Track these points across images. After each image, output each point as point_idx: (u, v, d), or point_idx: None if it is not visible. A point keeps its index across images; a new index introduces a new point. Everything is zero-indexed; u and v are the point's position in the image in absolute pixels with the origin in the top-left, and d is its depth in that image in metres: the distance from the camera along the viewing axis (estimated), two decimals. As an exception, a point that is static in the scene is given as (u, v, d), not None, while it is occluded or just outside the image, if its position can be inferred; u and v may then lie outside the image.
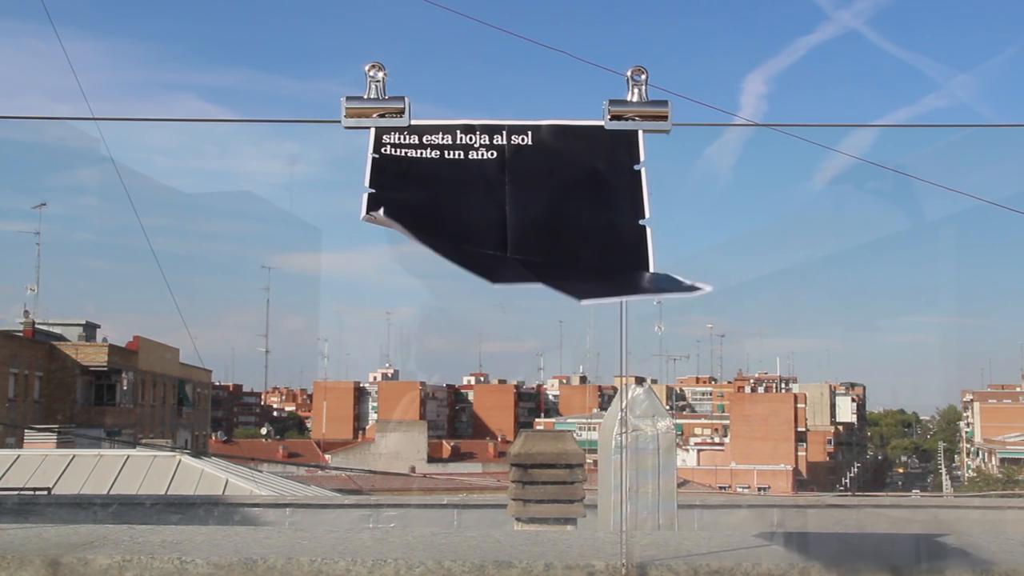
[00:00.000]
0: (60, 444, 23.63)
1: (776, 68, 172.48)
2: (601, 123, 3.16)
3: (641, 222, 3.03)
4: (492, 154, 3.13)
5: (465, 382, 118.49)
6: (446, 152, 3.13)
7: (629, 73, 3.18)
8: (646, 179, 3.10)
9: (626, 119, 3.16)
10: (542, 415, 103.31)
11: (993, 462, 75.43)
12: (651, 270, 2.97)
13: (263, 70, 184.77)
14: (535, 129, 3.16)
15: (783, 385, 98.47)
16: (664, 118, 3.17)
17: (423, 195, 3.03)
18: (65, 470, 17.36)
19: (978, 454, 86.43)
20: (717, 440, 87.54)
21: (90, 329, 51.48)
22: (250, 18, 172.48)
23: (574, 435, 8.33)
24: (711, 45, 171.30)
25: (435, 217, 2.99)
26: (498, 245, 2.97)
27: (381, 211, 2.73)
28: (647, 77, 3.18)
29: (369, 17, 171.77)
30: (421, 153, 3.13)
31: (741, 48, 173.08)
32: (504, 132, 3.15)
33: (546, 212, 3.05)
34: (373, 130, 3.14)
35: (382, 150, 3.12)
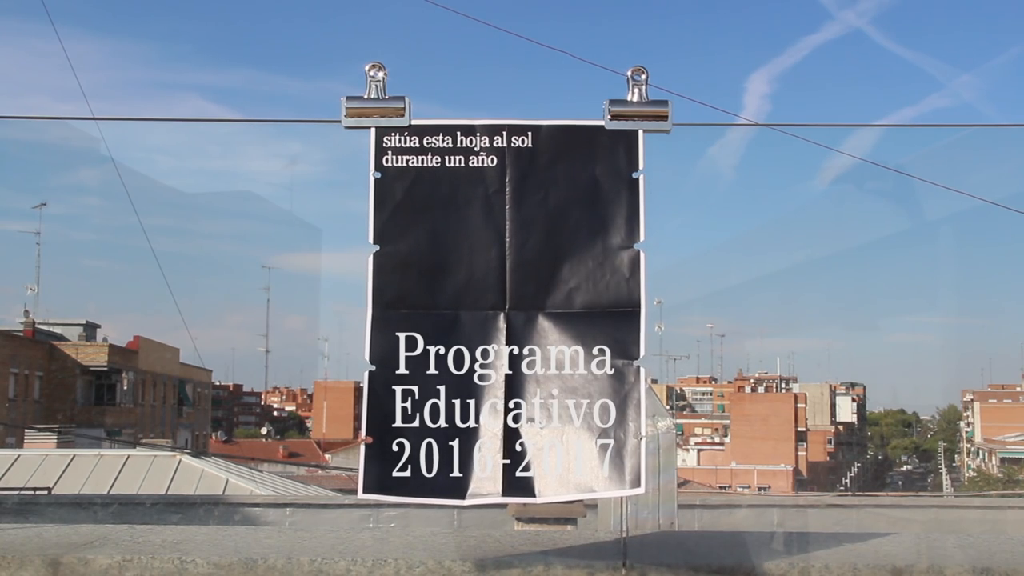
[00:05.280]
0: (60, 444, 23.66)
1: (780, 68, 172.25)
2: (601, 123, 3.16)
3: (636, 246, 3.06)
4: (492, 160, 3.13)
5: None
6: (447, 158, 3.13)
7: (629, 73, 3.18)
8: (644, 190, 3.11)
9: (626, 119, 3.16)
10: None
11: (993, 462, 75.45)
12: (642, 303, 3.06)
13: (266, 70, 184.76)
14: (535, 130, 3.16)
15: (783, 385, 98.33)
16: (664, 118, 3.17)
17: (426, 229, 3.10)
18: (65, 470, 17.39)
19: (978, 454, 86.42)
20: (717, 440, 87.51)
21: (90, 329, 51.46)
22: (253, 18, 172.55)
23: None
24: (714, 45, 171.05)
25: (438, 267, 3.09)
26: (497, 295, 3.08)
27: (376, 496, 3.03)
28: (647, 77, 3.18)
29: (370, 17, 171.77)
30: (423, 160, 3.12)
31: (744, 48, 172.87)
32: (504, 133, 3.15)
33: (543, 240, 3.11)
34: (374, 139, 3.14)
35: (383, 159, 3.12)
